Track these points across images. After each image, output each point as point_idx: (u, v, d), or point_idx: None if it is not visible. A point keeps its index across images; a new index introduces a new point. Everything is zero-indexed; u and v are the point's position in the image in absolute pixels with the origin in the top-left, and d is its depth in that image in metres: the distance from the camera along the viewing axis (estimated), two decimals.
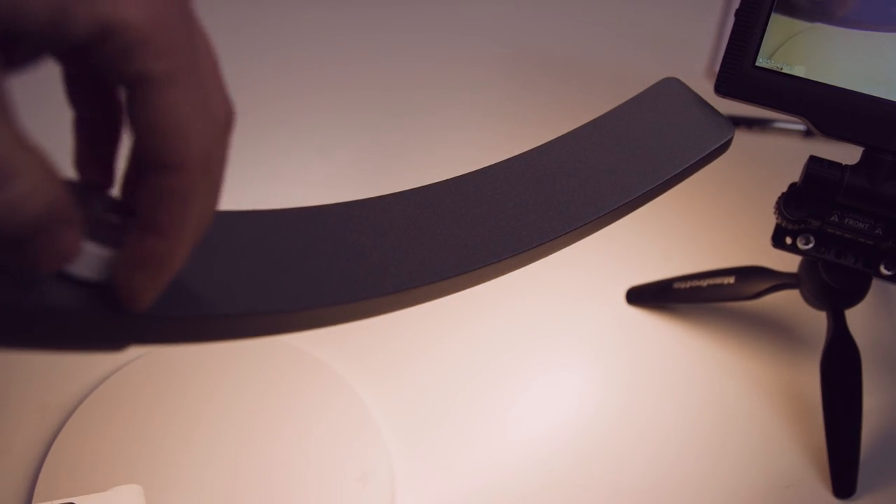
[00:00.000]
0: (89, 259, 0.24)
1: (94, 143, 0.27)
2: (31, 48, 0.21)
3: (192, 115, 0.22)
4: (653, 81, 0.42)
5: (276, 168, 0.66)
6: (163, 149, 0.22)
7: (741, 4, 0.43)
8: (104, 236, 0.25)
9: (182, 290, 0.27)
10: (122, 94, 0.23)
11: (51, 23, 0.21)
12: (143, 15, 0.21)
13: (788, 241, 0.47)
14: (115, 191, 0.28)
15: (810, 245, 0.47)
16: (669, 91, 0.41)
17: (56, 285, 0.24)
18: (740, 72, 0.43)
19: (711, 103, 0.41)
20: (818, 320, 0.55)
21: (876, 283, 0.59)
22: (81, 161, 0.27)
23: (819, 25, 0.43)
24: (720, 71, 0.43)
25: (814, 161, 0.44)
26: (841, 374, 0.51)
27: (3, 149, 0.20)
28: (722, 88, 0.43)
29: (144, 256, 0.24)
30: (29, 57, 0.22)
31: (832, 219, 0.45)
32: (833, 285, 0.48)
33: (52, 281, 0.24)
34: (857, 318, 0.55)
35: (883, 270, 0.46)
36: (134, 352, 0.53)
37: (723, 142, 0.39)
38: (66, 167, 0.26)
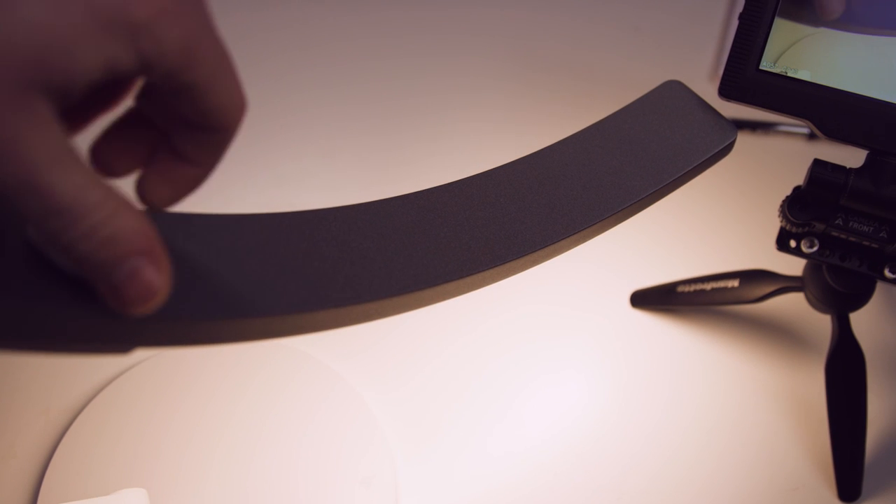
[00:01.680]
0: None
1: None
2: (85, 93, 0.24)
3: (232, 95, 0.27)
4: (656, 84, 0.42)
5: (281, 171, 0.66)
6: (215, 122, 0.27)
7: (745, 8, 0.43)
8: None
9: (187, 293, 0.27)
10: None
11: (102, 71, 0.23)
12: (180, 42, 0.25)
13: (793, 244, 0.47)
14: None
15: (815, 248, 0.47)
16: (672, 94, 0.41)
17: (64, 288, 0.24)
18: (744, 75, 0.43)
19: (715, 106, 0.41)
20: (823, 324, 0.55)
21: (880, 287, 0.58)
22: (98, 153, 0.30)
23: (823, 30, 0.43)
24: (724, 74, 0.43)
25: (818, 164, 0.44)
26: (846, 377, 0.51)
27: (74, 191, 0.23)
28: (726, 91, 0.43)
29: (180, 178, 0.28)
30: (84, 100, 0.25)
31: (836, 222, 0.45)
32: (838, 288, 0.48)
33: (59, 284, 0.24)
34: (862, 322, 0.55)
35: (888, 274, 0.46)
36: (138, 356, 0.53)
37: (726, 144, 0.39)
38: None
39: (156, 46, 0.24)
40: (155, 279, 0.25)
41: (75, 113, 0.27)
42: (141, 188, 0.28)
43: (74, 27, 0.22)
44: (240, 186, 0.64)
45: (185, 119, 0.27)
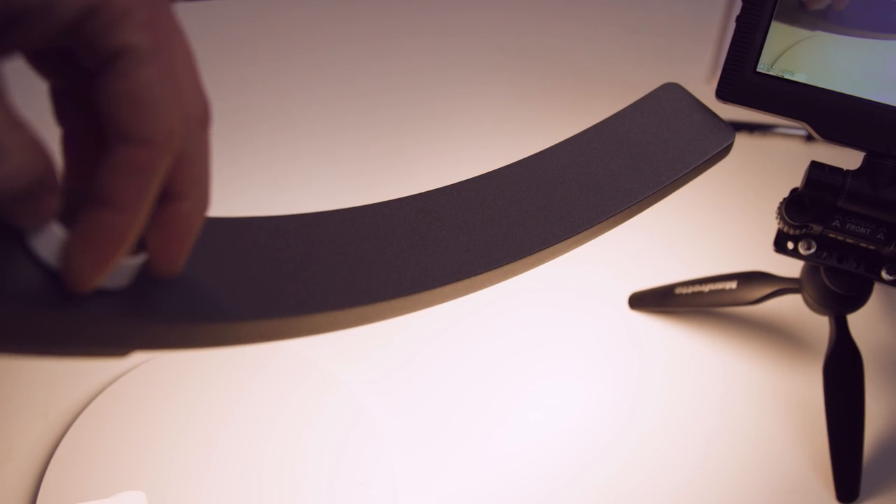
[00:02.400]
0: None
1: (80, 158, 0.28)
2: (21, 33, 0.22)
3: (165, 95, 0.23)
4: (655, 87, 0.42)
5: (280, 174, 0.66)
6: (131, 120, 0.23)
7: (742, 10, 0.44)
8: None
9: (185, 295, 0.27)
10: (100, 74, 0.23)
11: (43, 5, 0.21)
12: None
13: (790, 246, 0.47)
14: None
15: (812, 250, 0.47)
16: (670, 96, 0.41)
17: (62, 291, 0.24)
18: (741, 77, 0.43)
19: (713, 109, 0.42)
20: (820, 325, 0.55)
21: (878, 288, 0.59)
22: (71, 175, 0.28)
23: (820, 33, 0.43)
24: (721, 76, 0.44)
25: (815, 166, 0.44)
26: (843, 378, 0.51)
27: None
28: (723, 94, 0.44)
29: (95, 231, 0.23)
30: (17, 43, 0.23)
31: (834, 224, 0.45)
32: (835, 290, 0.48)
33: (57, 287, 0.24)
34: (860, 323, 0.55)
35: (885, 275, 0.46)
36: (136, 358, 0.53)
37: (723, 146, 0.39)
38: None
39: None
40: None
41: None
42: (65, 258, 0.24)
43: None
44: (238, 189, 0.64)
45: (103, 125, 0.23)
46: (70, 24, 0.22)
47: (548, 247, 0.35)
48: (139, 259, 0.26)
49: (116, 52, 0.23)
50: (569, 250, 0.36)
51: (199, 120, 0.25)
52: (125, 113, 0.23)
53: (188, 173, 0.25)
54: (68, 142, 0.28)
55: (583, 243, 0.37)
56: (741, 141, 0.69)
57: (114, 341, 0.26)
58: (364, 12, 0.79)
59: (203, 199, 0.26)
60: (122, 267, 0.25)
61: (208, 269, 0.29)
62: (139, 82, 0.23)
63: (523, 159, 0.38)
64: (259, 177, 0.66)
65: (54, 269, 0.24)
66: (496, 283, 0.35)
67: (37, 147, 0.23)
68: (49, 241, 0.24)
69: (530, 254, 0.34)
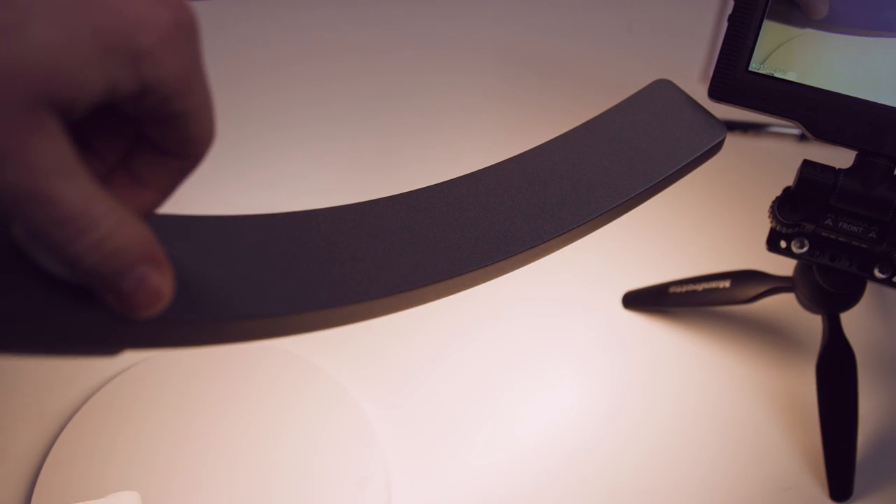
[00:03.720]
0: None
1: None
2: (84, 113, 0.25)
3: (210, 127, 0.28)
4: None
5: (274, 175, 0.66)
6: (188, 150, 0.28)
7: (734, 9, 0.44)
8: None
9: (176, 294, 0.27)
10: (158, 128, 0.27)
11: (104, 92, 0.24)
12: (177, 70, 0.25)
13: (783, 244, 0.48)
14: None
15: (805, 248, 0.47)
16: (662, 93, 0.41)
17: (50, 290, 0.24)
18: (733, 76, 0.43)
19: (705, 107, 0.42)
20: (813, 324, 0.55)
21: (871, 287, 0.59)
22: None
23: (810, 31, 0.43)
24: (714, 75, 0.44)
25: (807, 165, 0.44)
26: (836, 377, 0.51)
27: (80, 202, 0.24)
28: (715, 93, 0.44)
29: (135, 202, 0.28)
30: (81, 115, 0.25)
31: (826, 222, 0.45)
32: (828, 289, 0.49)
33: (46, 285, 0.24)
34: (853, 322, 0.56)
35: (877, 273, 0.46)
36: (130, 359, 0.53)
37: (715, 143, 0.39)
38: None
39: (156, 73, 0.25)
40: (161, 284, 0.26)
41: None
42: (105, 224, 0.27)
43: (82, 49, 0.23)
44: (231, 189, 0.64)
45: (158, 144, 0.27)
46: (124, 100, 0.25)
47: (539, 244, 0.35)
48: None
49: (172, 116, 0.26)
50: (560, 247, 0.36)
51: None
52: (183, 146, 0.27)
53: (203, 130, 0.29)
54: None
55: (574, 240, 0.37)
56: (734, 140, 0.69)
57: (104, 340, 0.26)
58: (358, 12, 0.79)
59: (198, 158, 0.30)
60: None
61: (200, 267, 0.29)
62: (194, 130, 0.27)
63: (514, 157, 0.38)
64: (251, 177, 0.66)
65: (44, 268, 0.24)
66: (488, 280, 0.35)
67: (130, 217, 0.25)
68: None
69: (522, 251, 0.34)
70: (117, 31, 0.24)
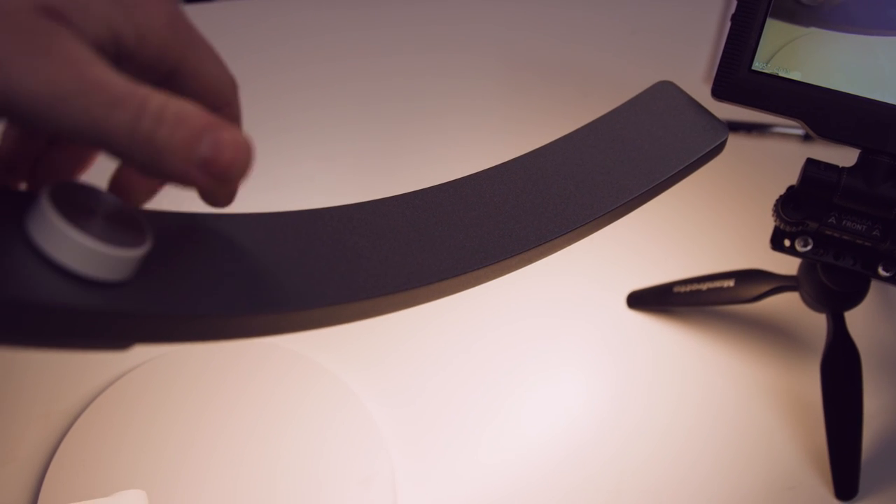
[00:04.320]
0: (93, 256, 0.25)
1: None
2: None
3: (220, 72, 0.30)
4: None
5: (279, 176, 0.66)
6: (212, 99, 0.29)
7: (737, 9, 0.44)
8: (108, 235, 0.25)
9: (184, 289, 0.27)
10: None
11: (108, 32, 0.25)
12: (165, 18, 0.27)
13: (787, 243, 0.48)
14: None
15: (809, 247, 0.47)
16: (664, 94, 0.41)
17: (61, 282, 0.24)
18: (737, 76, 0.43)
19: (709, 107, 0.42)
20: (818, 322, 0.56)
21: (875, 285, 0.59)
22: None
23: (815, 30, 0.43)
24: (717, 75, 0.44)
25: (811, 163, 0.44)
26: (841, 376, 0.51)
27: (125, 81, 0.24)
28: (718, 92, 0.44)
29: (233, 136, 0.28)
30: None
31: (830, 221, 0.45)
32: (832, 287, 0.49)
33: (58, 278, 0.24)
34: (857, 320, 0.56)
35: (881, 272, 0.46)
36: (136, 358, 0.53)
37: (717, 143, 0.39)
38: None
39: (147, 19, 0.26)
40: (238, 136, 0.25)
41: None
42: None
43: None
44: (239, 191, 0.64)
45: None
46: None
47: (543, 243, 0.35)
48: (141, 251, 0.26)
49: (180, 66, 0.28)
50: (564, 246, 0.36)
51: None
52: (214, 98, 0.29)
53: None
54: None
55: (578, 240, 0.37)
56: (738, 141, 0.69)
57: (115, 333, 0.26)
58: (363, 14, 0.79)
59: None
60: (124, 259, 0.26)
61: (208, 263, 0.29)
62: (208, 80, 0.29)
63: (519, 157, 0.38)
64: (256, 178, 0.66)
65: (56, 261, 0.25)
66: (492, 279, 0.35)
67: (169, 95, 0.25)
68: (48, 230, 0.24)
69: (526, 250, 0.35)
70: None
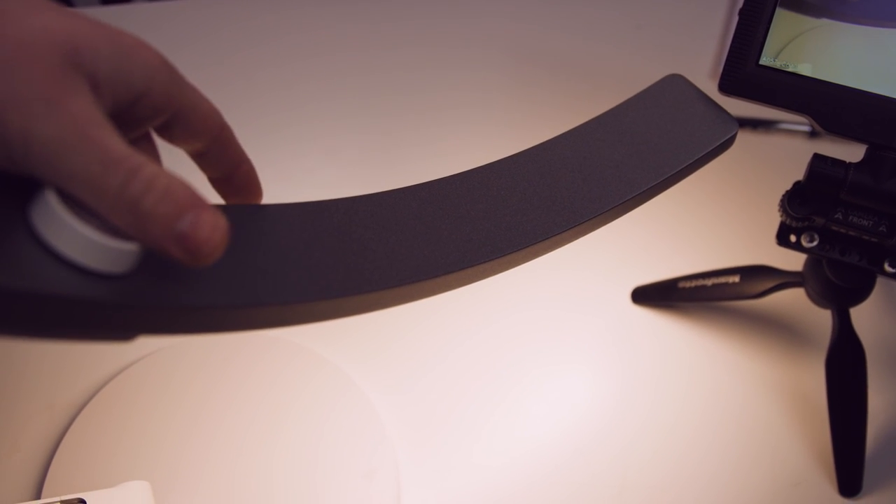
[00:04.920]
0: (97, 248, 0.25)
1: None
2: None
3: (206, 105, 0.33)
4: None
5: (284, 169, 0.66)
6: (208, 131, 0.33)
7: (744, 3, 0.44)
8: (112, 227, 0.25)
9: (191, 280, 0.27)
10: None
11: (116, 74, 0.27)
12: (161, 61, 0.29)
13: (793, 238, 0.48)
14: None
15: (815, 243, 0.47)
16: (674, 87, 0.41)
17: (65, 273, 0.24)
18: (744, 70, 0.43)
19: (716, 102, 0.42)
20: (823, 319, 0.55)
21: (881, 282, 0.59)
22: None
23: (825, 22, 0.43)
24: (724, 69, 0.44)
25: (817, 158, 0.44)
26: (846, 372, 0.51)
27: (123, 146, 0.25)
28: (726, 87, 0.44)
29: (248, 173, 0.35)
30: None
31: (836, 216, 0.45)
32: (838, 283, 0.48)
33: (61, 269, 0.24)
34: (863, 317, 0.55)
35: (887, 268, 0.46)
36: (140, 350, 0.53)
37: (727, 138, 0.39)
38: None
39: (150, 71, 0.28)
40: (217, 219, 0.26)
41: None
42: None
43: (96, 30, 0.27)
44: None
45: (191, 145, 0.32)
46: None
47: (551, 236, 0.35)
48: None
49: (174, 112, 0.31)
50: (572, 240, 0.36)
51: None
52: (205, 128, 0.32)
53: (237, 144, 0.34)
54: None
55: (586, 233, 0.37)
56: (744, 137, 0.69)
57: (118, 325, 0.26)
58: (367, 8, 0.79)
59: (246, 156, 0.35)
60: (127, 251, 0.26)
61: None
62: (198, 110, 0.32)
63: (526, 150, 0.38)
64: (261, 171, 0.66)
65: (59, 253, 0.25)
66: (498, 272, 0.35)
67: (162, 168, 0.26)
68: (53, 222, 0.24)
69: (532, 244, 0.35)
70: (126, 42, 0.28)
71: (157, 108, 0.29)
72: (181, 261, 0.26)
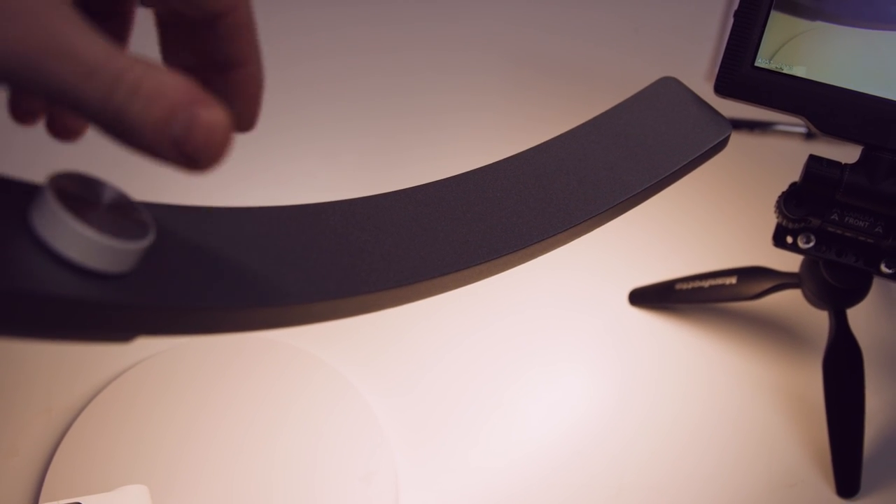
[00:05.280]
0: (97, 248, 0.25)
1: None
2: None
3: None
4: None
5: (282, 172, 0.66)
6: (252, 55, 0.30)
7: (739, 5, 0.44)
8: (112, 227, 0.25)
9: (186, 281, 0.27)
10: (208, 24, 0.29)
11: None
12: None
13: (789, 240, 0.48)
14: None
15: (811, 244, 0.47)
16: (667, 90, 0.41)
17: (64, 274, 0.25)
18: (739, 72, 0.43)
19: (712, 104, 0.42)
20: (820, 320, 0.55)
21: (877, 282, 0.59)
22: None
23: (820, 24, 0.43)
24: (719, 71, 0.44)
25: (813, 160, 0.44)
26: (843, 373, 0.51)
27: (105, 52, 0.23)
28: (721, 88, 0.44)
29: (244, 84, 0.30)
30: None
31: (832, 217, 0.45)
32: (834, 284, 0.49)
33: (60, 269, 0.24)
34: (859, 318, 0.56)
35: (883, 269, 0.46)
36: (138, 354, 0.54)
37: (720, 139, 0.39)
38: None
39: None
40: (215, 115, 0.24)
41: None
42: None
43: None
44: (241, 186, 0.64)
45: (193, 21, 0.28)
46: None
47: (545, 238, 0.35)
48: (144, 243, 0.26)
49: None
50: (567, 242, 0.36)
51: None
52: (243, 53, 0.29)
53: (249, 40, 0.30)
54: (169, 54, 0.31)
55: (581, 235, 0.37)
56: (740, 139, 0.69)
57: (117, 326, 0.26)
58: (365, 10, 0.79)
59: (260, 61, 0.31)
60: (127, 251, 0.26)
61: (211, 256, 0.29)
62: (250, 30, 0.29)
63: (521, 152, 0.38)
64: (259, 174, 0.66)
65: (59, 253, 0.25)
66: (494, 274, 0.35)
67: (156, 66, 0.24)
68: (52, 221, 0.24)
69: (528, 245, 0.35)
70: None
71: None
72: (187, 170, 0.24)
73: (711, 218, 0.65)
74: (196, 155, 0.23)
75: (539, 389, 0.55)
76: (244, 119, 0.31)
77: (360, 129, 0.70)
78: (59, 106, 0.23)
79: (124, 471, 0.48)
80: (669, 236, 0.63)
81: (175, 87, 0.23)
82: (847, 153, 0.44)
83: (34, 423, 0.51)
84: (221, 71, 0.29)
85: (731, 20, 0.44)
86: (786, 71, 0.43)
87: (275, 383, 0.53)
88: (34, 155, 0.52)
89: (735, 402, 0.55)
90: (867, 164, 0.43)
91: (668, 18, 0.81)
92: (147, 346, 0.53)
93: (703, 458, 0.53)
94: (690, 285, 0.57)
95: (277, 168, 0.66)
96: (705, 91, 0.43)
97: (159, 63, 0.24)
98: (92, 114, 0.23)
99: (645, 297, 0.59)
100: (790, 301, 0.57)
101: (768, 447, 0.53)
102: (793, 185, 0.46)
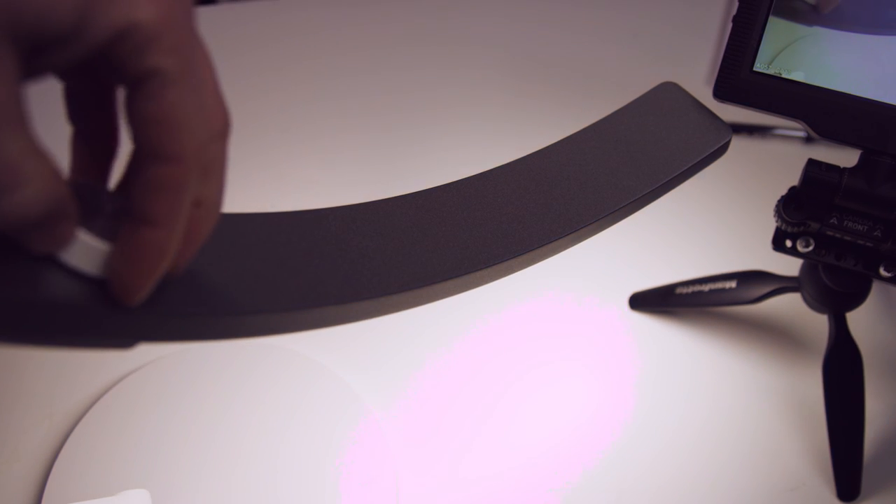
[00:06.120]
0: (99, 255, 0.25)
1: (91, 156, 0.29)
2: (51, 57, 0.23)
3: (191, 112, 0.24)
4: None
5: (281, 175, 0.66)
6: (161, 140, 0.24)
7: (738, 9, 0.44)
8: (113, 235, 0.25)
9: (189, 288, 0.27)
10: (125, 93, 0.24)
11: (74, 27, 0.22)
12: (155, 15, 0.23)
13: (789, 244, 0.48)
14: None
15: (810, 248, 0.47)
16: (668, 95, 0.41)
17: (67, 281, 0.25)
18: (738, 76, 0.44)
19: (711, 109, 0.42)
20: (820, 323, 0.56)
21: (877, 286, 0.59)
22: (77, 172, 0.29)
23: (818, 29, 0.43)
24: (718, 76, 0.44)
25: (812, 164, 0.44)
26: (843, 376, 0.51)
27: (17, 157, 0.22)
28: (720, 93, 0.44)
29: (137, 247, 0.25)
30: (47, 66, 0.23)
31: (831, 221, 0.45)
32: (834, 288, 0.49)
33: (63, 277, 0.25)
34: (859, 321, 0.56)
35: (883, 272, 0.46)
36: (139, 359, 0.54)
37: (720, 144, 0.39)
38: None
39: (132, 13, 0.22)
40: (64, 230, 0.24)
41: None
42: (109, 271, 0.25)
43: None
44: (241, 192, 0.64)
45: (134, 144, 0.24)
46: (100, 47, 0.23)
47: (546, 243, 0.35)
48: None
49: (145, 74, 0.23)
50: (568, 247, 0.37)
51: (221, 132, 0.26)
52: (155, 133, 0.24)
53: (208, 181, 0.26)
54: (79, 140, 0.28)
55: (582, 240, 0.37)
56: (740, 143, 0.69)
57: (119, 332, 0.26)
58: (366, 12, 0.80)
59: (219, 200, 0.27)
60: None
61: (213, 262, 0.29)
62: (167, 103, 0.24)
63: (522, 158, 0.38)
64: (258, 177, 0.66)
65: (61, 260, 0.25)
66: (495, 279, 0.35)
67: (55, 176, 0.23)
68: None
69: (529, 250, 0.35)
70: None
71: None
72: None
73: (711, 222, 0.65)
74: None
75: (540, 394, 0.55)
76: (179, 259, 0.27)
77: (358, 134, 0.70)
78: None
79: (125, 476, 0.49)
80: (669, 240, 0.63)
81: (50, 200, 0.23)
82: (846, 157, 0.45)
83: (36, 429, 0.51)
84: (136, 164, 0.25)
85: (730, 25, 0.44)
86: (784, 75, 0.43)
87: (276, 389, 0.53)
88: None
89: (735, 406, 0.55)
90: (866, 168, 0.43)
91: (669, 22, 0.81)
92: (147, 352, 0.54)
93: (704, 462, 0.53)
94: (690, 289, 0.57)
95: (276, 171, 0.66)
96: (705, 95, 0.43)
97: (54, 170, 0.23)
98: None
99: (645, 302, 0.59)
100: (790, 305, 0.57)
101: (769, 451, 0.53)
102: (792, 189, 0.46)
